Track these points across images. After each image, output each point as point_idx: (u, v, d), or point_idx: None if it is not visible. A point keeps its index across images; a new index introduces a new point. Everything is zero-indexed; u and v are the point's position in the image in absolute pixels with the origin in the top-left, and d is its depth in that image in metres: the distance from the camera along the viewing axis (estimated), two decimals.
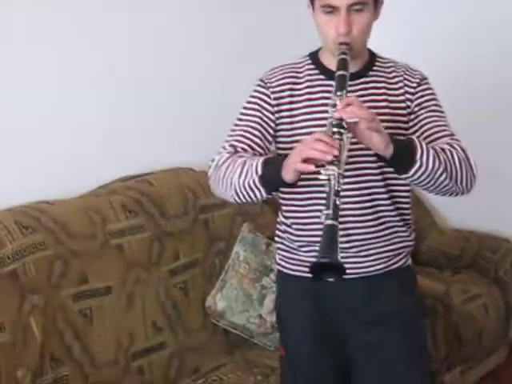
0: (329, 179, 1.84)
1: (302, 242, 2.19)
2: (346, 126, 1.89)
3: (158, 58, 3.12)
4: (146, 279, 2.70)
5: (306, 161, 1.87)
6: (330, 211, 1.81)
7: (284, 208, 2.24)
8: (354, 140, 1.96)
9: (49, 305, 2.42)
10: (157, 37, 3.10)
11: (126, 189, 2.82)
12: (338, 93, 1.96)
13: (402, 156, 1.97)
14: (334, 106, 1.93)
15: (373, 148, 1.97)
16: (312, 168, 1.86)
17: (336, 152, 1.83)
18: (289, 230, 2.23)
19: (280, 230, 2.28)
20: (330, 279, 1.81)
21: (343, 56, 2.02)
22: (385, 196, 2.15)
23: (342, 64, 2.01)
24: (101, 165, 2.89)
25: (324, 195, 1.86)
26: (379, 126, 1.93)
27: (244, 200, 2.08)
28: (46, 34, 2.73)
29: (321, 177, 1.85)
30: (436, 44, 3.73)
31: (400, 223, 2.20)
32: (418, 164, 1.97)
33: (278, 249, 2.29)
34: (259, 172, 2.00)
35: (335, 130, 1.89)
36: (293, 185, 1.99)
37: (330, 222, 1.80)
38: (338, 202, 1.83)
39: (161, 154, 3.08)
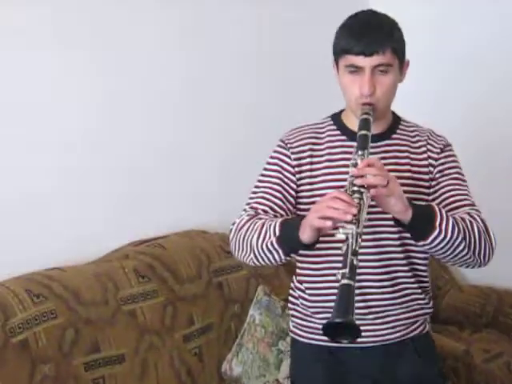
0: (347, 238, 1.80)
1: (317, 308, 2.15)
2: (366, 186, 1.86)
3: (165, 121, 3.10)
4: (160, 346, 2.64)
5: (323, 219, 1.84)
6: (347, 270, 1.76)
7: (299, 272, 2.20)
8: (373, 203, 1.93)
9: (60, 374, 2.36)
10: (160, 99, 3.08)
11: (138, 253, 2.78)
12: (360, 152, 1.93)
13: (421, 222, 1.94)
14: (355, 165, 1.90)
15: (390, 212, 1.94)
16: (329, 224, 1.83)
17: (354, 211, 1.80)
18: (303, 295, 2.19)
19: (293, 296, 2.24)
20: (345, 341, 1.76)
21: (366, 116, 2.00)
22: (403, 262, 2.11)
23: (365, 124, 1.99)
24: (112, 229, 2.85)
25: (341, 259, 1.82)
26: (396, 189, 1.89)
27: (263, 262, 2.05)
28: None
29: (338, 235, 1.81)
30: (458, 110, 3.72)
31: (418, 290, 2.15)
32: (436, 231, 1.93)
33: (292, 316, 2.24)
34: (277, 233, 1.97)
35: (355, 188, 1.86)
36: (311, 246, 1.95)
37: (346, 281, 1.75)
38: (355, 262, 1.78)
39: (173, 216, 3.05)
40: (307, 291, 2.17)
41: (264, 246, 2.00)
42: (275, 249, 1.99)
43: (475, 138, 3.54)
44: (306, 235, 1.91)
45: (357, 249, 1.79)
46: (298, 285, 2.21)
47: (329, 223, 1.82)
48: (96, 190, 2.83)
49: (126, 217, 2.91)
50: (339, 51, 2.07)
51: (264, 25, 3.41)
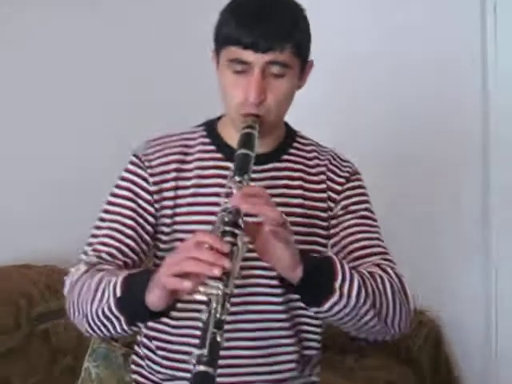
0: (209, 301, 1.27)
1: (168, 375, 1.64)
2: (242, 224, 1.34)
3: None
4: None
5: (179, 278, 1.29)
6: (205, 351, 1.23)
7: (149, 324, 1.66)
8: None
9: None
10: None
11: None
12: (237, 178, 1.41)
13: (315, 283, 1.43)
14: (230, 195, 1.38)
15: (276, 266, 1.41)
16: (188, 285, 1.27)
17: (226, 263, 1.26)
18: (151, 355, 1.67)
19: (138, 355, 1.73)
20: None
21: (249, 130, 1.49)
22: (291, 349, 1.67)
23: (246, 140, 1.48)
24: None
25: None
26: (288, 235, 1.38)
27: (100, 333, 1.51)
28: None
29: (197, 297, 1.28)
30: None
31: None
32: (336, 296, 1.44)
33: (135, 381, 1.72)
34: (118, 293, 1.43)
35: (227, 228, 1.32)
36: (162, 314, 1.42)
37: (202, 368, 1.22)
38: (219, 339, 1.25)
39: None
40: (158, 352, 1.66)
41: (100, 312, 1.47)
42: (114, 315, 1.45)
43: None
44: (153, 298, 1.37)
45: (223, 318, 1.27)
46: (146, 341, 1.70)
47: (187, 284, 1.28)
48: None
49: None
50: (222, 40, 1.56)
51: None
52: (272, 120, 1.57)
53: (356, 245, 1.63)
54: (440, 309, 3.10)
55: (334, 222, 1.67)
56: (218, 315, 1.26)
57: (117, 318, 1.46)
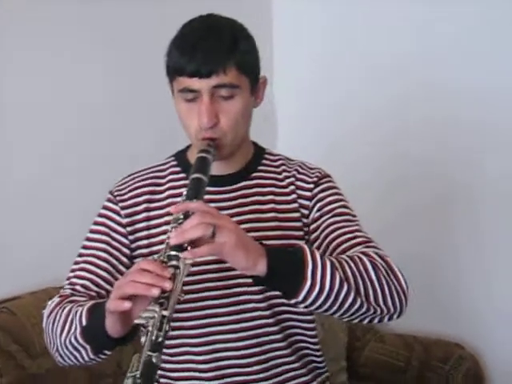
0: (145, 325, 1.31)
1: None
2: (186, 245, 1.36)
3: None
4: None
5: (120, 300, 1.34)
6: (138, 373, 1.26)
7: None
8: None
9: None
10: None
11: None
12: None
13: (284, 274, 1.44)
14: (177, 220, 1.41)
15: (235, 267, 1.43)
16: (127, 305, 1.33)
17: (167, 284, 1.30)
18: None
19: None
20: None
21: (202, 154, 1.54)
22: (279, 337, 1.73)
23: (199, 165, 1.52)
24: None
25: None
26: (230, 240, 1.37)
27: (71, 363, 1.58)
28: None
29: (136, 321, 1.32)
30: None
31: (303, 370, 1.76)
32: (308, 284, 1.43)
33: None
34: (83, 322, 1.49)
35: (172, 253, 1.36)
36: (123, 341, 1.47)
37: None
38: (154, 360, 1.27)
39: (28, 270, 2.45)
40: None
41: (68, 342, 1.53)
42: (81, 345, 1.51)
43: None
44: (108, 324, 1.43)
45: (160, 340, 1.29)
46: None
47: (127, 305, 1.33)
48: None
49: None
50: (170, 71, 1.63)
51: None
52: (230, 141, 1.63)
53: (338, 240, 1.65)
54: (481, 343, 3.05)
55: (313, 226, 1.71)
56: (153, 338, 1.29)
57: (83, 347, 1.52)
